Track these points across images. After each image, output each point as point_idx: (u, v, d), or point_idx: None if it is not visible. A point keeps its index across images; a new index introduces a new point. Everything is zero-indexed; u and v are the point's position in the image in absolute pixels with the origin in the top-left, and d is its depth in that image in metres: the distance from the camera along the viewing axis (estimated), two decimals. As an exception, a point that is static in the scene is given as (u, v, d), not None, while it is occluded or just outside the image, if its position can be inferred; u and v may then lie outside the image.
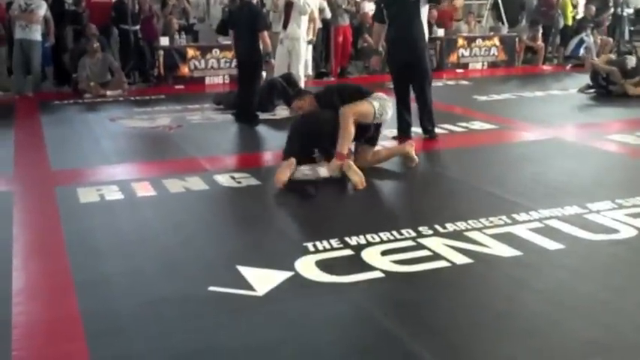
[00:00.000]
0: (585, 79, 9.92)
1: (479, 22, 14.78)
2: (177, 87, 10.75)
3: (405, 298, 3.15)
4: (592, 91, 9.51)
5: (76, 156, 6.26)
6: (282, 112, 8.08)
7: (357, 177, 4.89)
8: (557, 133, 6.94)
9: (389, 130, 6.30)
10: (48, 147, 6.59)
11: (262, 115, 7.83)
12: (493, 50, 13.46)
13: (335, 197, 4.88)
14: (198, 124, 7.77)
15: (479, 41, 13.38)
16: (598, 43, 13.62)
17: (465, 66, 13.19)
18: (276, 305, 3.05)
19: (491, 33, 13.95)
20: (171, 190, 4.93)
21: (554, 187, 4.85)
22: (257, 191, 4.99)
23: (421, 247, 3.68)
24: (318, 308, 3.04)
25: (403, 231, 3.90)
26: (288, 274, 3.35)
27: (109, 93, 9.80)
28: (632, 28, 15.83)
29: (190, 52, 11.22)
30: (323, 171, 5.01)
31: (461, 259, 3.51)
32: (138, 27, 11.37)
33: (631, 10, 16.09)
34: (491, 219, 4.10)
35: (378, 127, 5.40)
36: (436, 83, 7.53)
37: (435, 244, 3.71)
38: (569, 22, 14.40)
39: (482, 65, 13.40)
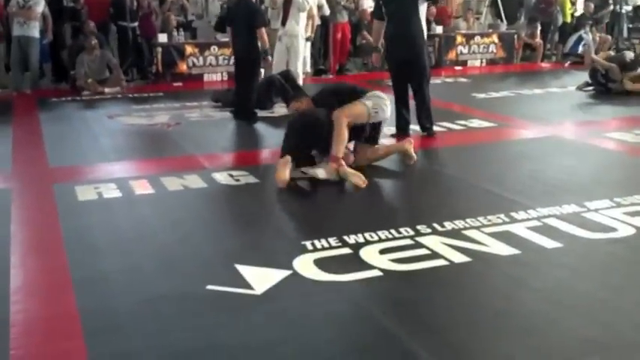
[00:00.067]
0: (584, 76, 9.92)
1: (477, 19, 14.77)
2: (175, 84, 10.74)
3: (403, 296, 3.15)
4: (590, 88, 9.52)
5: (74, 153, 6.25)
6: (280, 109, 8.07)
7: (356, 178, 4.88)
8: (556, 131, 6.94)
9: (387, 128, 6.29)
10: (46, 144, 6.58)
11: (260, 113, 7.82)
12: (492, 47, 13.46)
13: (333, 196, 4.88)
14: (196, 121, 7.76)
15: (477, 38, 13.38)
16: (597, 40, 13.61)
17: (464, 63, 13.19)
18: (275, 304, 3.05)
19: (490, 30, 13.94)
20: (170, 188, 4.92)
21: (553, 185, 4.85)
22: (255, 189, 4.99)
23: (419, 245, 3.68)
24: (316, 307, 3.04)
25: (401, 229, 3.90)
26: (286, 272, 3.35)
27: (107, 90, 9.79)
28: (630, 26, 15.83)
29: (188, 49, 11.22)
30: (321, 172, 5.00)
31: (459, 258, 3.52)
32: (136, 24, 11.35)
33: (630, 8, 16.09)
34: (489, 217, 4.10)
35: (376, 126, 5.38)
36: (434, 80, 7.53)
37: (434, 242, 3.71)
38: (568, 20, 14.40)
39: (481, 62, 13.40)
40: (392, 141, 6.26)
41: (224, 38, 10.80)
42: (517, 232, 3.87)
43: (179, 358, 2.64)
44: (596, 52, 12.40)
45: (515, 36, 13.62)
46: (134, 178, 5.19)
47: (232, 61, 8.35)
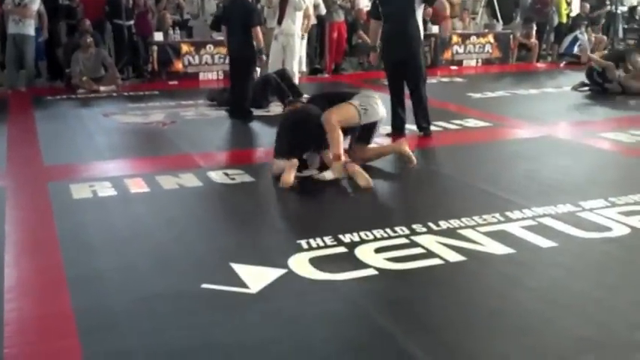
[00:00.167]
0: (579, 76, 9.95)
1: (473, 19, 14.79)
2: (170, 83, 10.73)
3: (398, 295, 3.15)
4: (586, 88, 9.54)
5: (69, 151, 6.24)
6: (276, 108, 8.08)
7: (362, 179, 4.84)
8: (551, 131, 6.95)
9: (383, 127, 6.28)
10: (41, 142, 6.56)
11: (256, 112, 7.82)
12: (487, 47, 13.48)
13: (329, 195, 4.87)
14: (191, 120, 7.75)
15: (473, 38, 13.40)
16: (592, 40, 13.66)
17: (460, 63, 13.20)
18: (270, 303, 3.05)
19: (486, 30, 13.96)
20: (165, 187, 4.91)
21: (548, 185, 4.86)
22: (250, 188, 4.98)
23: (415, 244, 3.68)
24: (311, 306, 3.04)
25: (397, 228, 3.90)
26: (281, 271, 3.35)
27: (102, 88, 9.77)
28: (625, 26, 15.88)
29: (184, 48, 11.21)
30: (328, 174, 4.99)
31: (454, 257, 3.52)
32: (132, 22, 11.34)
33: (625, 8, 16.13)
34: (484, 217, 4.10)
35: (369, 126, 5.32)
36: (430, 80, 7.51)
37: (429, 241, 3.71)
38: (564, 20, 14.44)
39: (477, 62, 13.42)
40: (387, 140, 6.26)
41: (220, 37, 10.78)
42: (512, 232, 3.87)
43: (174, 357, 2.64)
44: (592, 53, 12.44)
45: (511, 36, 13.64)
46: (129, 176, 5.18)
47: (228, 60, 8.35)
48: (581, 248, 3.69)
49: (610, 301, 3.05)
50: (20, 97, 9.47)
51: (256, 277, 3.27)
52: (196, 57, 11.24)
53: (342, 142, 5.06)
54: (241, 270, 3.36)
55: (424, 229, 3.90)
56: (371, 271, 3.35)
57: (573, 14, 14.87)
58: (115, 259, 3.60)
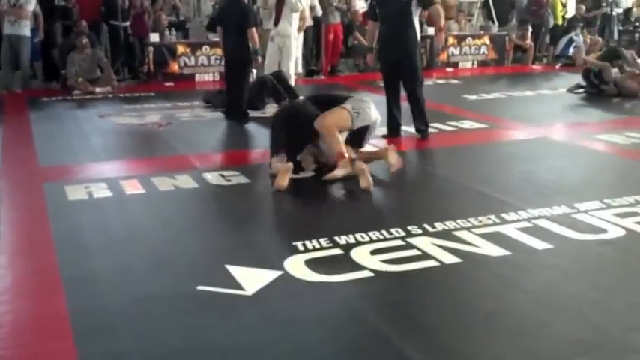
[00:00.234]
0: (575, 78, 9.98)
1: (469, 20, 14.81)
2: (166, 84, 10.72)
3: (394, 297, 3.16)
4: (581, 90, 9.57)
5: (65, 153, 6.22)
6: (271, 110, 8.05)
7: (365, 182, 4.84)
8: (547, 133, 6.97)
9: (379, 129, 6.28)
10: (36, 144, 6.54)
11: (252, 113, 7.81)
12: (483, 49, 13.51)
13: (324, 197, 4.88)
14: (187, 121, 7.75)
15: (469, 40, 13.42)
16: (587, 42, 13.69)
17: (455, 65, 13.22)
18: (266, 304, 3.05)
19: (482, 32, 13.99)
20: (161, 188, 4.91)
21: (543, 187, 4.87)
22: (246, 190, 4.98)
23: (410, 246, 3.69)
24: (307, 307, 3.04)
25: (392, 230, 3.91)
26: (277, 273, 3.35)
27: (98, 89, 9.75)
28: (620, 28, 15.91)
29: (180, 49, 11.20)
30: (339, 172, 5.01)
31: (450, 259, 3.52)
32: (128, 23, 11.32)
33: (620, 10, 16.17)
34: (480, 218, 4.11)
35: (361, 131, 5.28)
36: (426, 82, 7.51)
37: (424, 243, 3.72)
38: (559, 22, 14.47)
39: (472, 64, 13.44)
40: (383, 142, 6.27)
41: (216, 38, 10.77)
42: (507, 233, 3.88)
43: (170, 358, 2.64)
44: (587, 55, 12.48)
45: (507, 38, 13.67)
46: (125, 178, 5.17)
47: (223, 61, 8.36)
48: (577, 250, 3.70)
49: (605, 302, 3.06)
50: (15, 98, 9.45)
51: (252, 279, 3.27)
52: (192, 58, 11.23)
53: (341, 142, 5.06)
54: (237, 272, 3.36)
55: (420, 231, 3.90)
56: (367, 273, 3.35)
57: (568, 16, 14.90)
58: (111, 261, 3.60)
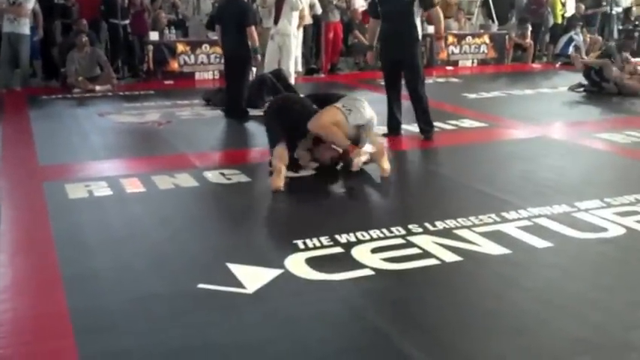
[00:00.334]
0: (574, 77, 9.98)
1: (469, 19, 14.81)
2: (166, 82, 10.72)
3: (394, 295, 3.16)
4: (582, 89, 9.57)
5: (65, 151, 6.22)
6: (272, 108, 8.06)
7: (386, 165, 5.04)
8: (547, 132, 6.97)
9: (378, 128, 6.28)
10: (36, 142, 6.54)
11: (252, 112, 7.81)
12: (483, 48, 13.51)
13: (325, 195, 4.88)
14: (187, 119, 7.74)
15: (469, 39, 13.41)
16: (587, 41, 13.68)
17: (455, 63, 13.21)
18: (266, 303, 3.05)
19: (481, 30, 13.98)
20: (161, 187, 4.91)
21: (544, 186, 4.86)
22: (247, 188, 4.98)
23: (411, 244, 3.69)
24: (308, 306, 3.04)
25: (393, 229, 3.90)
26: (278, 271, 3.35)
27: (97, 88, 9.74)
28: (620, 27, 15.91)
29: (180, 47, 11.19)
30: (361, 159, 5.12)
31: (450, 257, 3.52)
32: (127, 21, 11.32)
33: (620, 9, 16.16)
34: (480, 217, 4.11)
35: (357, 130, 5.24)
36: (426, 80, 7.50)
37: (425, 241, 3.72)
38: (559, 20, 14.46)
39: (472, 63, 13.43)
40: (383, 140, 6.26)
41: (215, 36, 10.77)
42: (508, 232, 3.88)
43: (170, 357, 2.64)
44: (587, 54, 12.49)
45: (507, 36, 13.66)
46: (125, 176, 5.17)
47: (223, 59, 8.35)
48: (577, 249, 3.70)
49: (605, 301, 3.06)
50: (15, 96, 9.44)
51: (252, 277, 3.27)
52: (192, 56, 11.22)
53: (343, 136, 5.06)
54: (237, 270, 3.36)
55: (420, 230, 3.90)
56: (367, 272, 3.35)
57: (568, 15, 14.89)
58: (111, 259, 3.59)
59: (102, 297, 3.13)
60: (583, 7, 14.86)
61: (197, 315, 2.94)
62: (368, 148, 5.36)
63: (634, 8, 16.90)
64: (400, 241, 3.74)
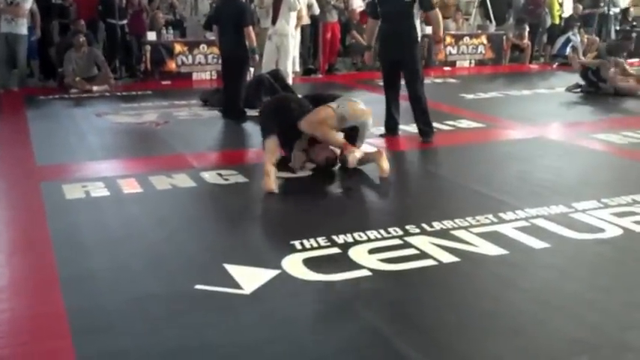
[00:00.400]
0: (572, 77, 9.99)
1: (466, 19, 14.82)
2: (164, 82, 10.71)
3: (391, 296, 3.16)
4: (579, 90, 9.58)
5: (62, 151, 6.21)
6: (269, 108, 8.05)
7: (385, 165, 5.02)
8: (544, 132, 6.97)
9: (376, 128, 6.29)
10: (33, 142, 6.53)
11: (249, 112, 7.80)
12: (480, 48, 13.53)
13: (322, 196, 4.88)
14: (185, 120, 7.74)
15: (466, 39, 13.43)
16: (584, 42, 13.70)
17: (453, 64, 13.23)
18: (264, 303, 3.04)
19: (479, 31, 14.00)
20: (158, 187, 4.90)
21: (541, 186, 4.87)
22: (244, 188, 4.98)
23: (408, 245, 3.69)
24: (305, 306, 3.04)
25: (390, 229, 3.91)
26: (275, 272, 3.34)
27: (95, 88, 9.73)
28: (618, 28, 15.94)
29: (177, 48, 11.19)
30: (356, 155, 5.09)
31: (447, 258, 3.52)
32: (125, 21, 11.32)
33: (617, 10, 16.20)
34: (477, 217, 4.11)
35: (352, 130, 5.24)
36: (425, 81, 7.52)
37: (422, 242, 3.72)
38: (556, 21, 14.50)
39: (470, 63, 13.45)
40: (380, 141, 6.27)
41: (213, 37, 10.78)
42: (505, 233, 3.88)
43: (168, 358, 2.63)
44: (584, 54, 12.51)
45: (504, 37, 13.68)
46: (122, 176, 5.17)
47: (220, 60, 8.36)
48: (574, 249, 3.70)
49: (603, 302, 3.06)
50: (12, 96, 9.43)
51: (250, 278, 3.27)
52: (190, 57, 11.23)
53: (336, 135, 5.06)
54: (235, 271, 3.36)
55: (417, 230, 3.90)
56: (364, 272, 3.35)
57: (565, 15, 14.92)
58: (108, 260, 3.59)
59: (99, 297, 3.13)
60: (580, 7, 14.89)
61: (194, 315, 2.94)
62: (365, 147, 5.37)
63: (631, 9, 16.93)
64: (397, 241, 3.74)
